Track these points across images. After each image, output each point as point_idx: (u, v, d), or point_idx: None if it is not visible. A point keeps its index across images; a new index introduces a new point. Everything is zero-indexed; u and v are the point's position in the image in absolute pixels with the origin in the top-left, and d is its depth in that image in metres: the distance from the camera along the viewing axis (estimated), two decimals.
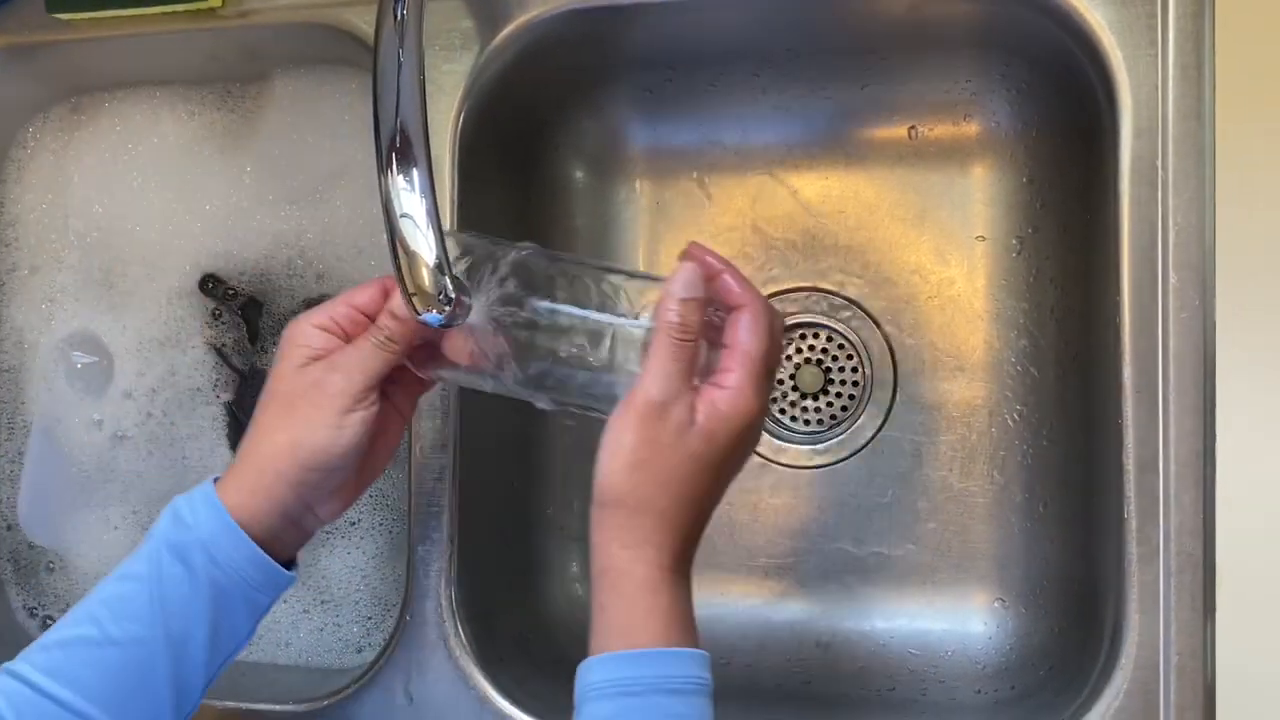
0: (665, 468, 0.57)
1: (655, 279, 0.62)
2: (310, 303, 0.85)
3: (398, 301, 0.60)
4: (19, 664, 0.58)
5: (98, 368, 0.88)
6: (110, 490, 0.88)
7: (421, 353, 0.63)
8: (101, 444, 0.88)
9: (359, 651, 0.84)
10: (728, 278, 0.60)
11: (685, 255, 0.61)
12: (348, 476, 0.63)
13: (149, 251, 0.88)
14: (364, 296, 0.63)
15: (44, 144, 0.91)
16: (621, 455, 0.57)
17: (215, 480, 0.62)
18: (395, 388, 0.64)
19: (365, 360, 0.61)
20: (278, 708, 0.75)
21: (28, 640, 0.87)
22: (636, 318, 0.60)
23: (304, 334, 0.62)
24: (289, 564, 0.63)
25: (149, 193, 0.88)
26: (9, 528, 0.90)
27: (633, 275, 0.63)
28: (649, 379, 0.57)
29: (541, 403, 0.63)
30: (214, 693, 0.76)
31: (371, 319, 0.62)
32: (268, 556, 0.61)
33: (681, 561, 0.58)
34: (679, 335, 0.57)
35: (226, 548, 0.60)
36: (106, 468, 0.88)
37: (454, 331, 0.61)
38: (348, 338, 0.62)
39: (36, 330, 0.90)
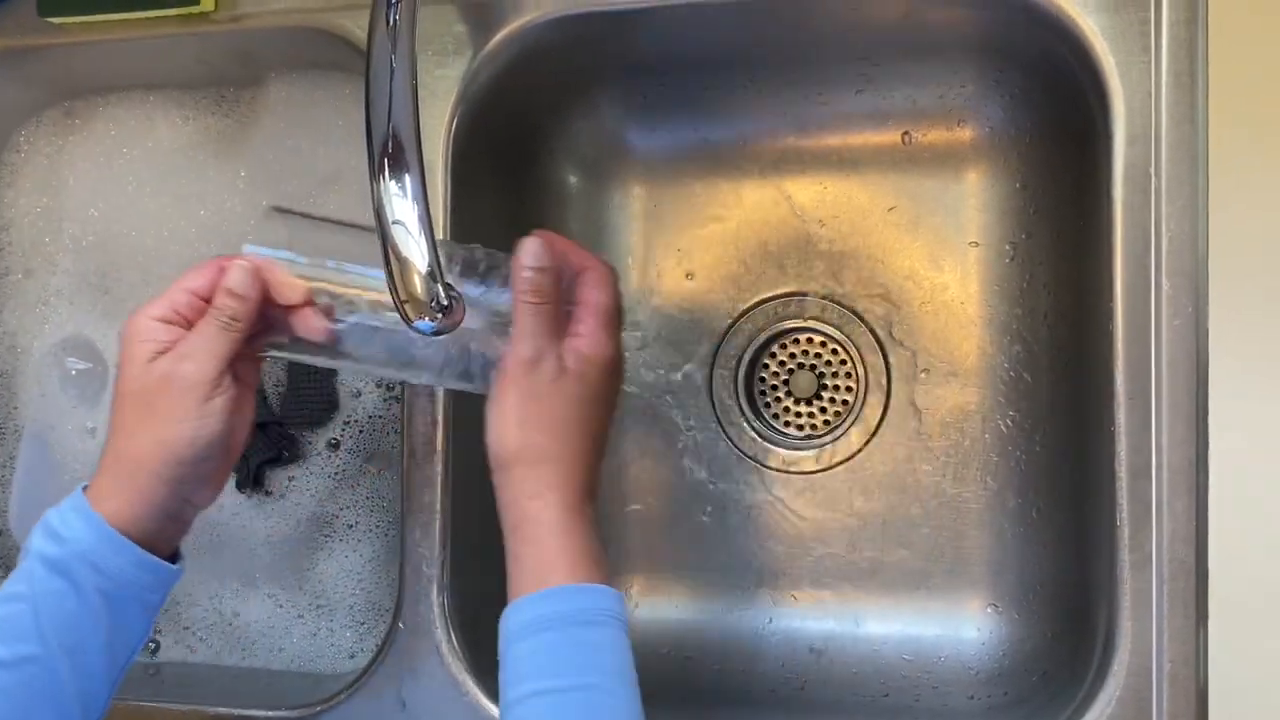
0: (549, 416, 0.62)
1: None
2: None
3: (235, 279, 0.61)
4: None
5: (92, 374, 0.88)
6: None
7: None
8: (94, 452, 0.87)
9: (352, 657, 0.84)
10: (567, 248, 0.66)
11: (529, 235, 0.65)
12: (218, 462, 0.63)
13: (144, 256, 0.88)
14: (200, 280, 0.62)
15: (37, 148, 0.91)
16: (507, 415, 0.62)
17: (84, 488, 0.62)
18: (239, 363, 0.63)
19: (213, 344, 0.61)
20: (270, 713, 0.75)
21: None
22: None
23: (146, 328, 0.61)
24: (173, 557, 0.64)
25: (144, 197, 0.88)
26: (0, 533, 0.90)
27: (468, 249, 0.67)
28: (517, 342, 0.62)
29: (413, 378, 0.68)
30: (206, 698, 0.77)
31: (208, 302, 0.62)
32: (154, 558, 0.61)
33: (585, 499, 0.62)
34: (535, 299, 0.62)
35: (110, 557, 0.60)
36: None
37: (309, 309, 0.63)
38: (189, 325, 0.62)
39: (30, 335, 0.89)
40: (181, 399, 0.60)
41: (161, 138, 0.88)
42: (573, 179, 0.88)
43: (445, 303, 0.57)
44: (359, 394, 0.85)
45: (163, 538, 0.62)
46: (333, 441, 0.85)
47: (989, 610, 0.80)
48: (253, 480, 0.85)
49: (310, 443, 0.85)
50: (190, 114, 0.88)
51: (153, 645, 0.87)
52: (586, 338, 0.63)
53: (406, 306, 0.56)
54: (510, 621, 0.59)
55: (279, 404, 0.85)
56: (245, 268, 0.62)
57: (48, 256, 0.90)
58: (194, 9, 0.78)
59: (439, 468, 0.74)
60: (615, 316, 0.66)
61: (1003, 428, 0.81)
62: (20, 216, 0.91)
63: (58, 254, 0.90)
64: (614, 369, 0.65)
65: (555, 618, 0.58)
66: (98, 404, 0.87)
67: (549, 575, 0.59)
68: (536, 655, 0.58)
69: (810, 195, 0.85)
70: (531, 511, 0.61)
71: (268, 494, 0.85)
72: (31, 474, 0.88)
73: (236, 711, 0.75)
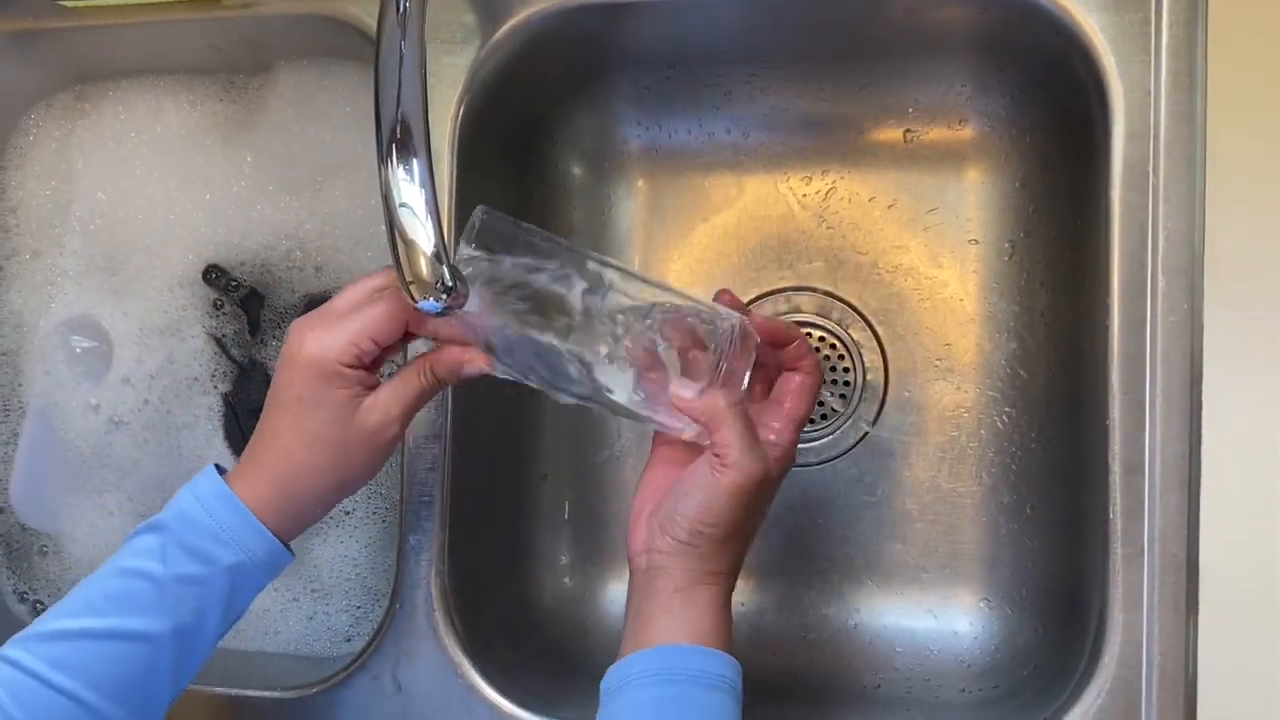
0: (752, 523, 0.63)
1: (649, 282, 0.65)
2: (313, 300, 0.85)
3: (460, 371, 0.65)
4: (15, 651, 0.59)
5: (97, 353, 0.89)
6: (105, 476, 0.88)
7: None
8: (98, 429, 0.88)
9: (348, 640, 0.85)
10: (800, 344, 0.66)
11: (739, 310, 0.65)
12: None
13: (151, 239, 0.89)
14: (386, 330, 0.63)
15: (47, 131, 0.92)
16: (727, 516, 0.60)
17: (222, 472, 0.64)
18: None
19: (411, 403, 0.64)
20: (267, 694, 0.76)
21: (17, 624, 0.88)
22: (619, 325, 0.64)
23: (336, 372, 0.62)
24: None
25: (151, 181, 0.89)
26: (1, 510, 0.90)
27: (627, 273, 0.65)
28: (743, 454, 0.60)
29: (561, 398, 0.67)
30: (203, 679, 0.77)
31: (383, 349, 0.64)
32: (287, 551, 0.65)
33: (733, 583, 0.64)
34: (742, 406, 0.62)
35: (251, 545, 0.63)
36: (102, 453, 0.88)
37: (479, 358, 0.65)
38: (369, 367, 0.64)
39: (36, 314, 0.90)
40: (377, 452, 0.64)
41: (170, 123, 0.89)
42: (576, 170, 0.89)
43: (450, 284, 0.57)
44: None
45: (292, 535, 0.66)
46: None
47: (981, 604, 0.81)
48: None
49: None
50: (199, 99, 0.89)
51: None
52: (784, 449, 0.64)
53: (412, 287, 0.57)
54: (636, 666, 0.59)
55: None
56: (477, 369, 0.65)
57: (55, 238, 0.91)
58: None
59: (440, 451, 0.75)
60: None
61: (999, 424, 0.82)
62: (29, 198, 0.91)
63: (65, 236, 0.90)
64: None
65: (682, 673, 0.59)
66: (101, 382, 0.88)
67: (683, 636, 0.60)
68: (661, 705, 0.58)
69: (811, 191, 0.86)
70: (697, 589, 0.61)
71: None
72: (35, 450, 0.89)
73: (233, 692, 0.76)
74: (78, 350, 0.89)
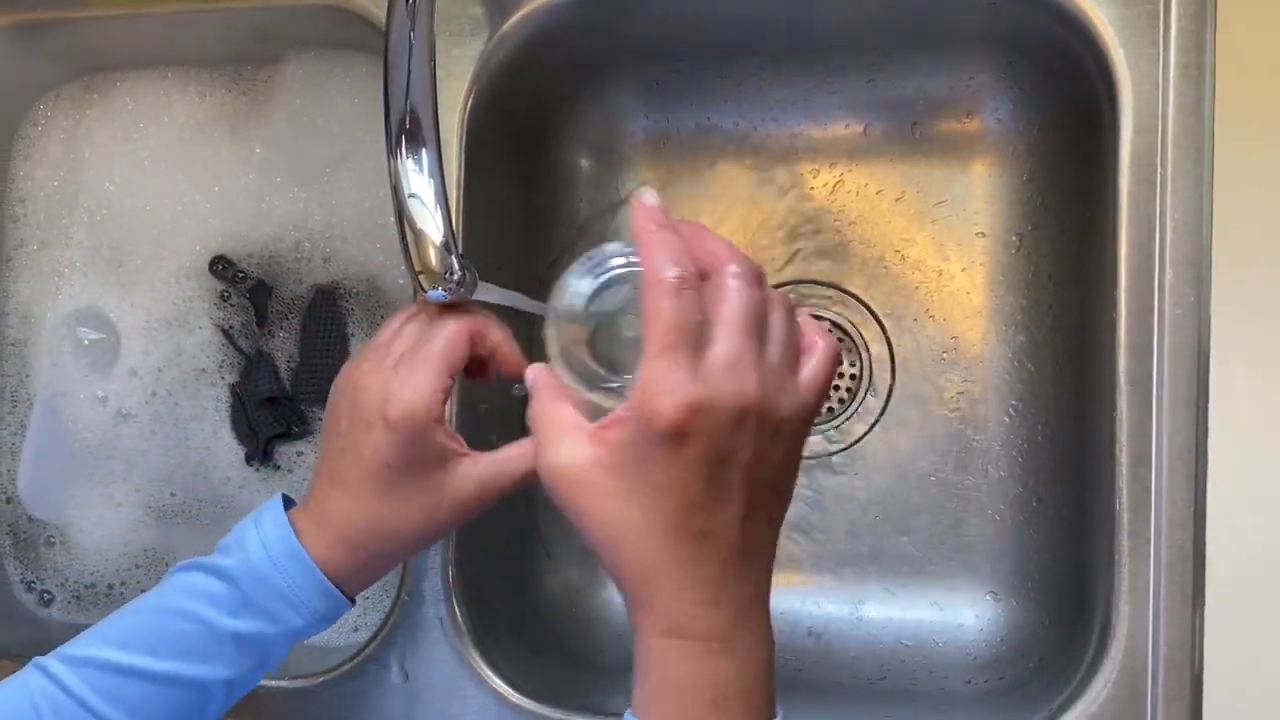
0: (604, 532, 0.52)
1: None
2: (322, 291, 0.85)
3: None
4: (59, 668, 0.57)
5: (104, 344, 0.89)
6: (113, 467, 0.88)
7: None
8: (105, 421, 0.88)
9: (355, 630, 0.85)
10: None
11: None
12: None
13: (159, 231, 0.89)
14: (460, 354, 0.59)
15: (56, 122, 0.92)
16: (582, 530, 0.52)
17: (290, 518, 0.60)
18: None
19: (515, 475, 0.59)
20: (273, 684, 0.76)
21: (26, 614, 0.88)
22: None
23: (436, 436, 0.57)
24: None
25: (159, 172, 0.89)
26: (8, 500, 0.91)
27: None
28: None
29: None
30: None
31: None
32: (347, 603, 0.62)
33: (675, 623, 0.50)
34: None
35: (319, 608, 0.61)
36: (110, 445, 0.88)
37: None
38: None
39: (43, 305, 0.90)
40: (461, 515, 0.59)
41: (178, 114, 0.89)
42: (583, 162, 0.89)
43: (458, 274, 0.58)
44: None
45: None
46: None
47: (988, 596, 0.81)
48: (262, 454, 0.85)
49: (319, 419, 0.86)
50: (207, 91, 0.89)
51: None
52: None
53: (421, 277, 0.57)
54: None
55: (290, 380, 0.86)
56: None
57: (63, 229, 0.91)
58: None
59: None
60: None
61: (1005, 416, 0.82)
62: (37, 189, 0.92)
63: (73, 227, 0.90)
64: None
65: None
66: (108, 374, 0.88)
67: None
68: None
69: (819, 184, 0.86)
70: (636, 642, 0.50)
71: (276, 468, 0.86)
72: (42, 441, 0.89)
73: None
74: (85, 342, 0.89)
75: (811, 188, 0.86)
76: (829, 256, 0.85)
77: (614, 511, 0.48)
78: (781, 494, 0.51)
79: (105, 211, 0.90)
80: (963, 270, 0.83)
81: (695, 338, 0.47)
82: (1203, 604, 0.63)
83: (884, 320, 0.84)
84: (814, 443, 0.85)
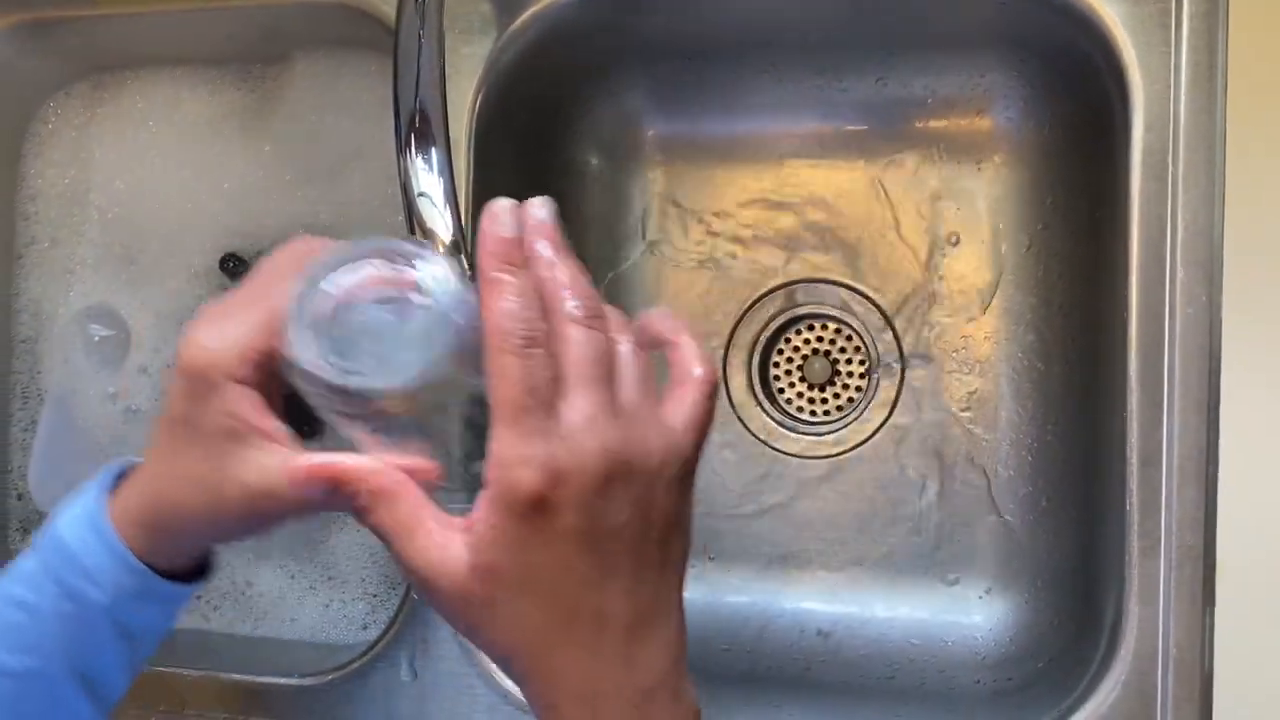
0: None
1: None
2: None
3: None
4: None
5: (115, 341, 0.89)
6: None
7: None
8: (115, 417, 0.89)
9: (364, 629, 0.85)
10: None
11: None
12: None
13: (169, 228, 0.89)
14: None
15: (66, 120, 0.92)
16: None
17: (98, 498, 0.52)
18: None
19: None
20: (283, 681, 0.76)
21: None
22: None
23: (226, 398, 0.48)
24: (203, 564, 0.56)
25: (169, 170, 0.89)
26: (19, 497, 0.91)
27: None
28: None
29: None
30: (219, 665, 0.78)
31: None
32: (177, 586, 0.53)
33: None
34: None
35: (135, 596, 0.52)
36: (120, 440, 0.89)
37: None
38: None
39: (54, 302, 0.91)
40: (249, 514, 0.49)
41: (187, 112, 0.89)
42: (593, 161, 0.89)
43: (468, 273, 0.58)
44: None
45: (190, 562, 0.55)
46: None
47: (996, 596, 0.81)
48: None
49: None
50: (217, 89, 0.89)
51: None
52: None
53: None
54: None
55: None
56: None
57: (74, 227, 0.91)
58: None
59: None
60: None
61: (1015, 416, 0.81)
62: (48, 187, 0.92)
63: (83, 224, 0.91)
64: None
65: None
66: (119, 370, 0.89)
67: None
68: None
69: (829, 182, 0.86)
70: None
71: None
72: (53, 437, 0.89)
73: (250, 678, 0.77)
74: (96, 339, 0.89)
75: (821, 187, 0.86)
76: (838, 255, 0.85)
77: (507, 620, 0.42)
78: (672, 545, 0.44)
79: (116, 209, 0.90)
80: (973, 269, 0.83)
81: (546, 397, 0.41)
82: (1213, 604, 0.63)
83: (893, 319, 0.84)
84: (823, 442, 0.85)
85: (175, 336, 0.88)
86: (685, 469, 0.44)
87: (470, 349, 0.43)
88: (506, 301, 0.42)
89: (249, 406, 0.47)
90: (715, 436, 0.86)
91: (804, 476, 0.85)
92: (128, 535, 0.51)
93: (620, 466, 0.41)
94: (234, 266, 0.87)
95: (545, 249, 0.44)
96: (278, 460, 0.47)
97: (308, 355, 0.44)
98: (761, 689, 0.81)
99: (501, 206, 0.44)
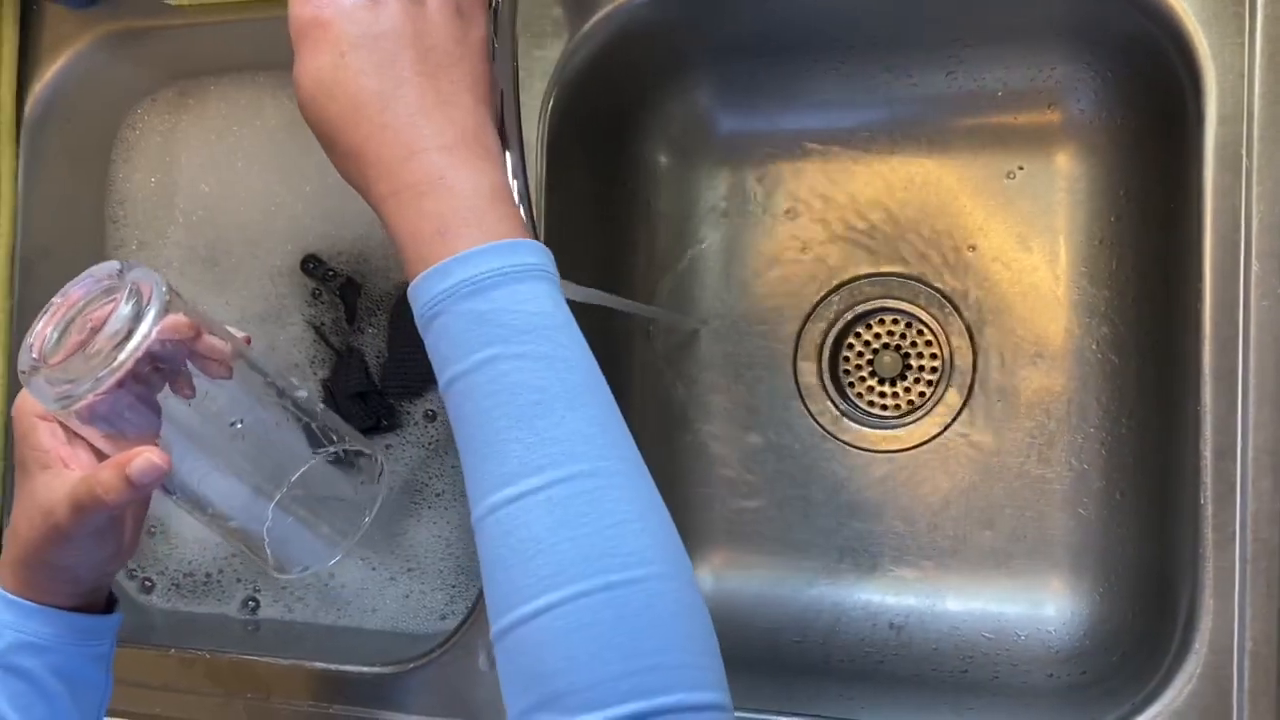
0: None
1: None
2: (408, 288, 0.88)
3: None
4: None
5: None
6: None
7: None
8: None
9: (442, 619, 0.87)
10: None
11: None
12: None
13: (252, 231, 0.91)
14: None
15: (152, 125, 0.95)
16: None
17: None
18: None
19: (85, 490, 0.56)
20: (364, 669, 0.78)
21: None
22: None
23: (36, 435, 0.57)
24: (110, 603, 0.63)
25: (251, 174, 0.92)
26: None
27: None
28: None
29: None
30: (303, 654, 0.80)
31: None
32: (87, 617, 0.60)
33: None
34: None
35: (47, 633, 0.58)
36: None
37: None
38: None
39: None
40: (52, 535, 0.57)
41: (269, 116, 0.92)
42: (663, 159, 0.90)
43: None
44: None
45: (84, 597, 0.61)
46: (429, 412, 0.88)
47: (1070, 590, 0.81)
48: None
49: (408, 413, 0.88)
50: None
51: (253, 604, 0.91)
52: None
53: None
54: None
55: (379, 375, 0.88)
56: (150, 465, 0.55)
57: (160, 229, 0.94)
58: None
59: None
60: None
61: (1089, 409, 0.81)
62: (135, 191, 0.95)
63: (169, 227, 0.94)
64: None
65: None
66: None
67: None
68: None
69: (899, 177, 0.86)
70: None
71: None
72: None
73: (334, 667, 0.78)
74: None
75: (890, 181, 0.86)
76: (909, 249, 0.85)
77: (326, 124, 0.52)
78: (447, 55, 0.52)
79: (200, 212, 0.93)
80: (1045, 262, 0.82)
81: None
82: None
83: (965, 313, 0.84)
84: (895, 436, 0.85)
85: (259, 335, 0.90)
86: (457, 7, 0.53)
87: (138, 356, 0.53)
88: None
89: (50, 440, 0.57)
90: (785, 429, 0.87)
91: (874, 470, 0.85)
92: (8, 584, 0.58)
93: None
94: (314, 267, 0.89)
95: None
96: (58, 481, 0.55)
97: (33, 390, 0.55)
98: (834, 681, 0.82)
99: None
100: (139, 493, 0.55)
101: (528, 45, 0.76)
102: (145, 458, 0.54)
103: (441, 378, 0.49)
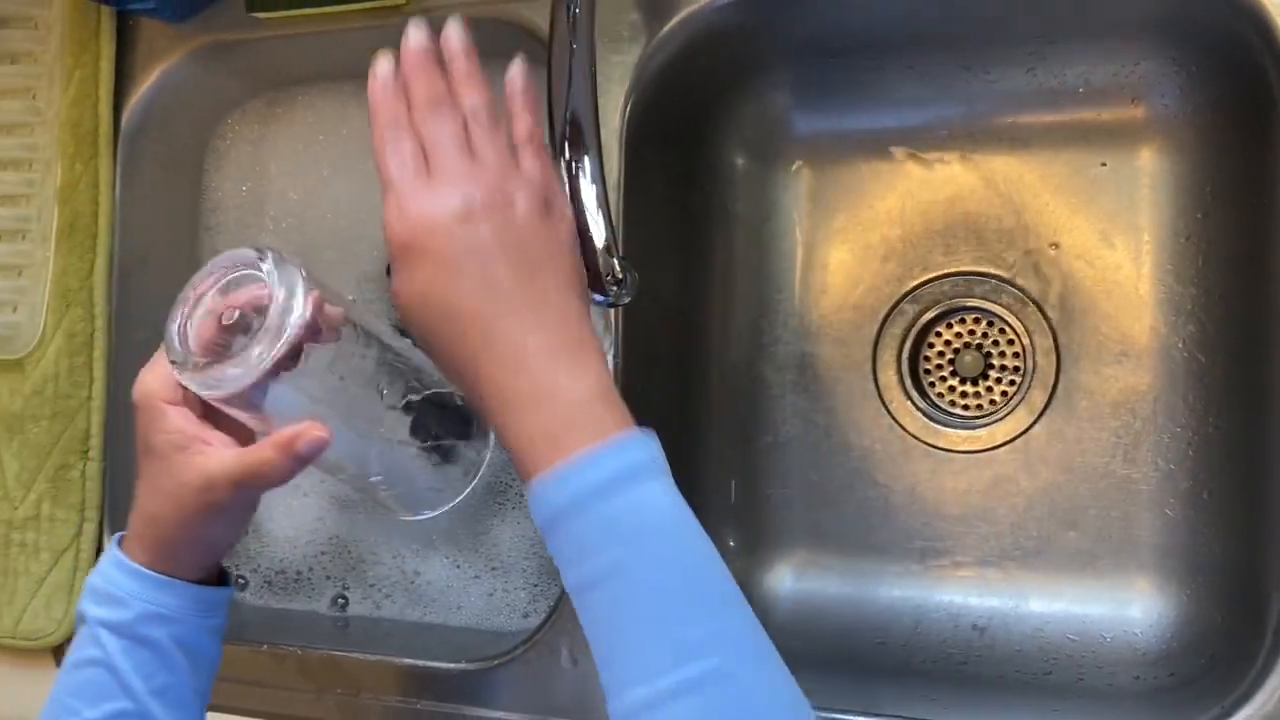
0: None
1: None
2: None
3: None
4: None
5: None
6: None
7: None
8: None
9: (525, 617, 0.88)
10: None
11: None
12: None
13: (339, 237, 0.93)
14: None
15: (242, 135, 0.97)
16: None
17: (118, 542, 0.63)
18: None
19: (247, 466, 0.60)
20: (450, 666, 0.79)
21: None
22: None
23: (166, 417, 0.61)
24: (223, 577, 0.66)
25: (338, 182, 0.94)
26: None
27: None
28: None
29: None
30: (390, 650, 0.82)
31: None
32: (205, 588, 0.63)
33: None
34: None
35: (169, 602, 0.61)
36: None
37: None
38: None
39: None
40: (206, 511, 0.61)
41: (355, 124, 0.93)
42: (740, 160, 0.90)
43: (620, 276, 0.60)
44: None
45: (208, 570, 0.65)
46: None
47: (1157, 591, 0.79)
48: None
49: None
50: None
51: (342, 601, 0.93)
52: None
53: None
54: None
55: None
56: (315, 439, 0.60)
57: (251, 237, 0.96)
58: (387, 2, 0.83)
59: None
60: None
61: (1176, 408, 0.80)
62: (226, 199, 0.97)
63: (260, 234, 0.96)
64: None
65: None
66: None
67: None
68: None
69: (978, 175, 0.85)
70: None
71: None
72: None
73: (421, 663, 0.80)
74: None
75: (970, 179, 0.85)
76: (990, 247, 0.85)
77: (433, 344, 0.55)
78: (540, 256, 0.55)
79: (289, 219, 0.95)
80: (1130, 259, 0.81)
81: (414, 166, 0.55)
82: None
83: (1048, 311, 0.83)
84: (977, 435, 0.85)
85: None
86: (545, 203, 0.56)
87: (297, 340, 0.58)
88: (382, 112, 0.56)
89: (184, 422, 0.60)
90: (864, 429, 0.86)
91: (955, 470, 0.85)
92: (139, 558, 0.61)
93: (479, 207, 0.53)
94: None
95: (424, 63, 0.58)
96: (214, 460, 0.59)
97: (186, 379, 0.59)
98: (915, 683, 0.82)
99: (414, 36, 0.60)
100: (303, 466, 0.59)
101: (605, 51, 0.77)
102: (313, 434, 0.58)
103: (567, 579, 0.52)
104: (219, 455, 0.59)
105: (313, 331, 0.60)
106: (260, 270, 0.60)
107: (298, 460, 0.58)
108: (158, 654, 0.61)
